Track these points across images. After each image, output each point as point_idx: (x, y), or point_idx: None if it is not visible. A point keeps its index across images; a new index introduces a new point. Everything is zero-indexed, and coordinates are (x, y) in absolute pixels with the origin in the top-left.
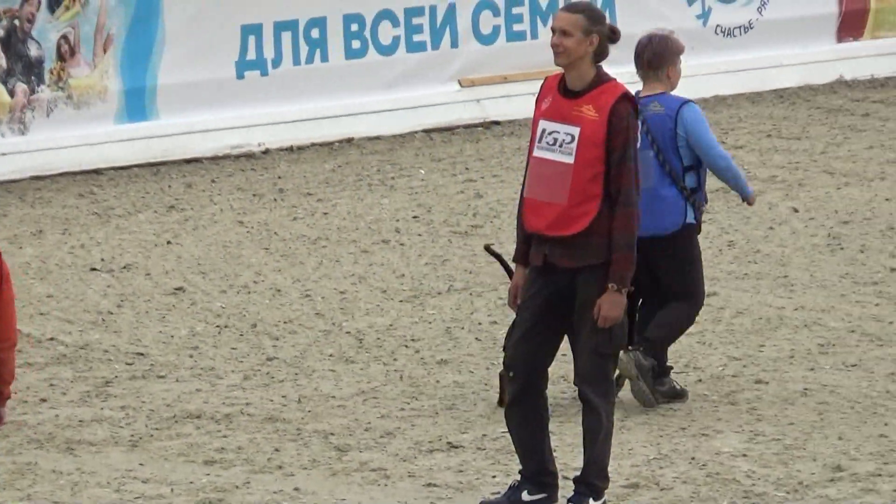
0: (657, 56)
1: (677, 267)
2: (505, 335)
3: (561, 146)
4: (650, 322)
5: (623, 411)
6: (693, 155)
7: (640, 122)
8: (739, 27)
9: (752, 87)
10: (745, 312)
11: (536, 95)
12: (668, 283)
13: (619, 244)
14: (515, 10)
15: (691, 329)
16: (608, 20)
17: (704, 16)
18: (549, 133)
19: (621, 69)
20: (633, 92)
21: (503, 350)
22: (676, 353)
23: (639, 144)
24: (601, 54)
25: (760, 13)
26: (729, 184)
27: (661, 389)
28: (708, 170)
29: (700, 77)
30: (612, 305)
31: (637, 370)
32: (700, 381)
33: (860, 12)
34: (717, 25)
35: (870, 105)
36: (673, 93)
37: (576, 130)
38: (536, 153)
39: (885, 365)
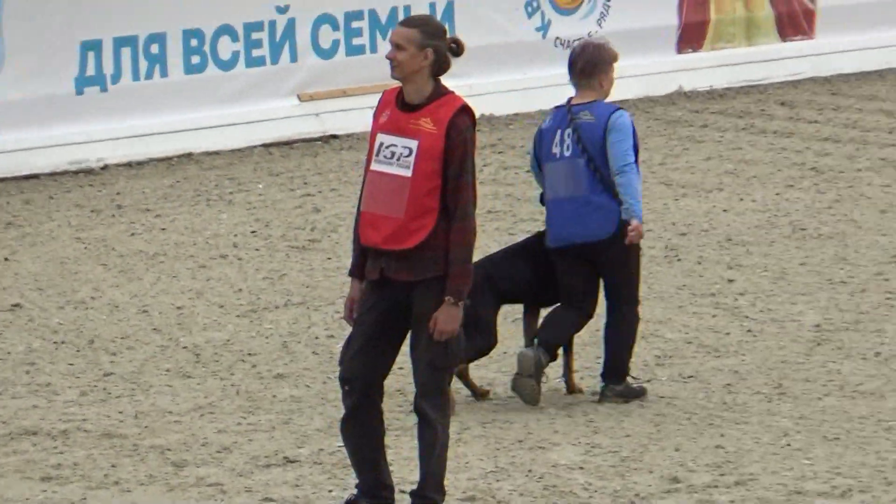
0: (590, 64)
1: (621, 265)
2: (341, 349)
3: (398, 159)
4: (563, 334)
5: (459, 424)
6: None
7: (571, 130)
8: (579, 39)
9: None
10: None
11: (374, 109)
12: (613, 284)
13: (456, 258)
14: (355, 24)
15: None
16: (449, 33)
17: (544, 28)
18: (387, 146)
19: (460, 82)
20: (566, 98)
21: (339, 364)
22: (514, 365)
23: (569, 153)
24: (440, 68)
25: (600, 25)
26: (624, 198)
27: (617, 388)
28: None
29: (540, 89)
30: (448, 319)
31: (535, 368)
32: None
33: (700, 24)
34: (557, 38)
35: (708, 116)
36: (606, 101)
37: (413, 144)
38: (374, 167)
39: (722, 376)
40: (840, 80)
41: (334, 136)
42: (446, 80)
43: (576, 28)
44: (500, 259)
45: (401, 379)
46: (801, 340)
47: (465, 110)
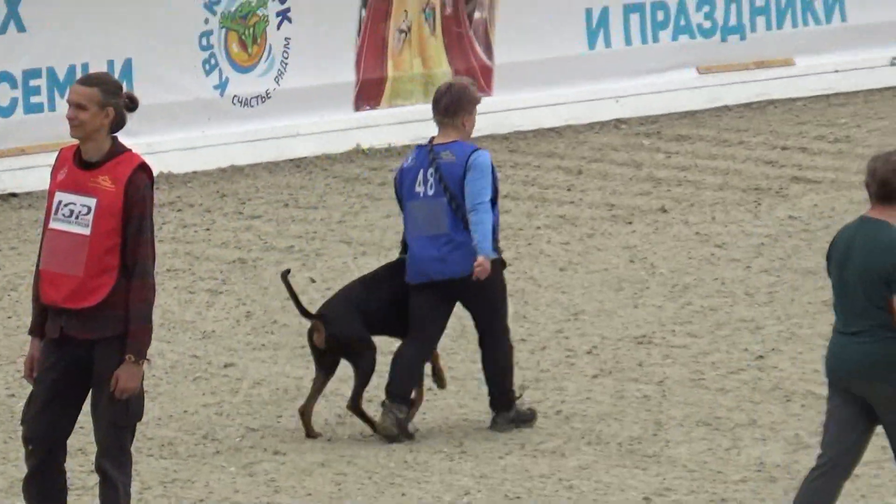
0: (454, 103)
1: (487, 300)
2: (23, 408)
3: (77, 218)
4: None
5: (141, 483)
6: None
7: (433, 170)
8: (257, 97)
9: (270, 157)
10: (262, 383)
11: (52, 167)
12: (481, 317)
13: (137, 316)
14: (33, 83)
15: (209, 400)
16: (125, 89)
17: (222, 86)
18: (66, 204)
19: (139, 140)
20: (429, 138)
21: (21, 423)
22: (195, 424)
23: (432, 192)
24: (118, 125)
25: (278, 82)
26: (474, 235)
27: (508, 415)
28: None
29: (218, 147)
30: (129, 377)
31: (398, 429)
32: (218, 452)
33: (378, 81)
34: (235, 96)
35: (387, 174)
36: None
37: (92, 202)
38: (52, 225)
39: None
40: (518, 138)
41: (13, 195)
42: (126, 138)
43: (254, 86)
44: (360, 286)
45: (82, 438)
46: (481, 398)
47: (144, 168)
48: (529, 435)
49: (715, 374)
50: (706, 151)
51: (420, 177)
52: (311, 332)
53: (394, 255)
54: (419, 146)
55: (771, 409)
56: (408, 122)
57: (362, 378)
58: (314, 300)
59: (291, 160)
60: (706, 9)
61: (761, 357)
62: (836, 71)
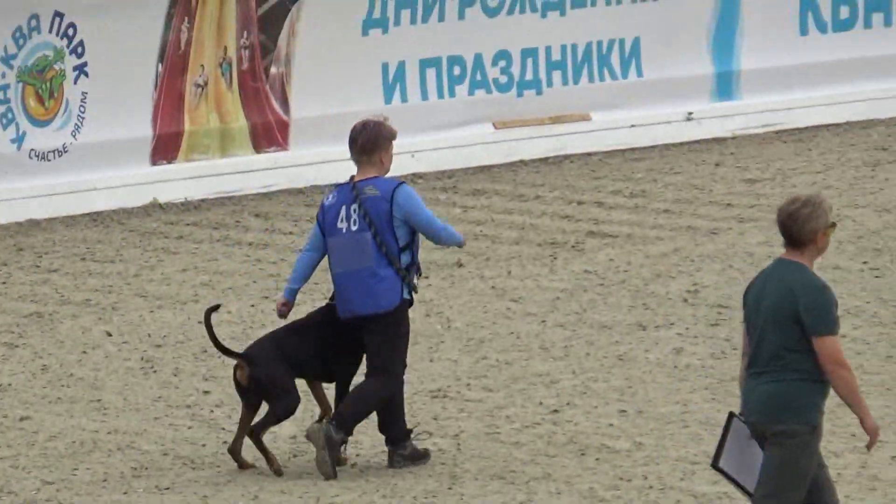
0: (370, 141)
1: (388, 340)
2: None
3: None
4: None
5: None
6: (408, 234)
7: (357, 205)
8: (54, 151)
9: (67, 211)
10: (58, 436)
11: None
12: (373, 356)
13: None
14: None
15: (4, 453)
16: None
17: (19, 140)
18: None
19: None
20: (349, 175)
21: None
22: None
23: (356, 227)
24: None
25: (75, 137)
26: (451, 242)
27: (403, 453)
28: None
29: (15, 201)
30: None
31: (325, 441)
32: None
33: (174, 135)
34: (32, 149)
35: (183, 228)
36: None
37: None
38: None
39: (198, 487)
40: (315, 192)
41: None
42: None
43: (51, 140)
44: (289, 331)
45: None
46: (278, 452)
47: None
48: (324, 488)
49: (510, 428)
50: (502, 206)
51: (342, 213)
52: (235, 369)
53: (190, 308)
54: (339, 184)
55: (565, 463)
56: (204, 177)
57: (273, 417)
58: (110, 353)
59: (88, 214)
60: (502, 63)
61: (556, 411)
62: (633, 126)
